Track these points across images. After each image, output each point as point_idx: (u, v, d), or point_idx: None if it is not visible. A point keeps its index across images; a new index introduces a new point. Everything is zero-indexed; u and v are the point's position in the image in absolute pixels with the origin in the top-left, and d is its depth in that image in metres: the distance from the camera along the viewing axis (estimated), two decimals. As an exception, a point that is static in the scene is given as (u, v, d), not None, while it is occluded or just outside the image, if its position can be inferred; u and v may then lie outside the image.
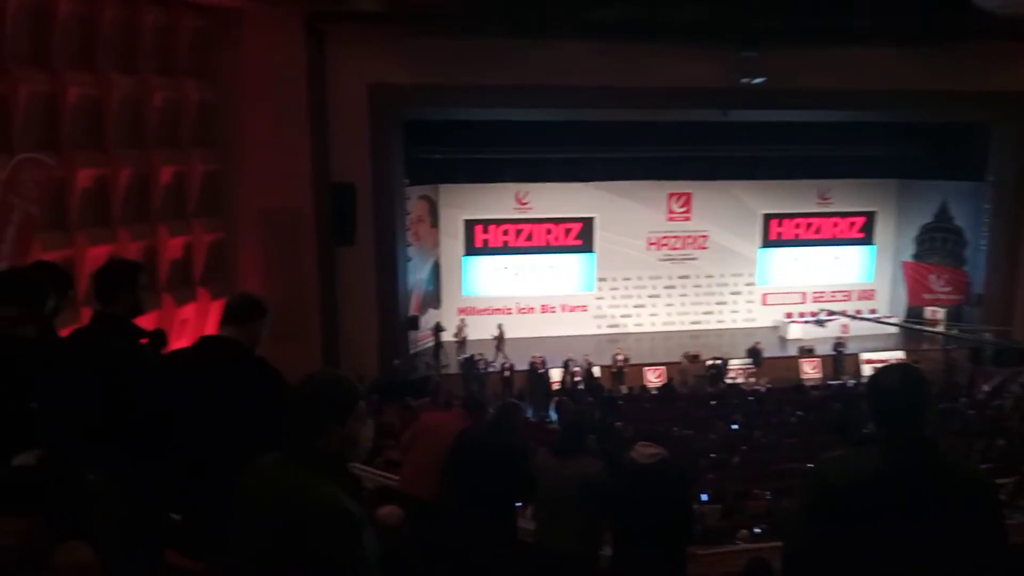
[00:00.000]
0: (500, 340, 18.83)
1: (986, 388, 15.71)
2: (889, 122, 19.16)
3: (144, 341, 3.00)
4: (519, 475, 4.40)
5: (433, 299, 19.82)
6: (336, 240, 15.49)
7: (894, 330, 20.70)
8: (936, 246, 20.95)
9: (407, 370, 17.13)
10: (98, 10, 11.54)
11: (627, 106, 16.87)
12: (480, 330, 19.53)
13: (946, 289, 20.45)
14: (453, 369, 18.12)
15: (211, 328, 13.41)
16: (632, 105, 16.84)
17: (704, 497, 9.90)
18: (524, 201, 20.09)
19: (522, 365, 17.49)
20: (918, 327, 20.19)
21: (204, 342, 2.99)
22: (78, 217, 11.58)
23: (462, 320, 19.73)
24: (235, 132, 14.38)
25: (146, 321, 3.13)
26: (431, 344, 19.05)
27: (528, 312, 20.48)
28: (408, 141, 16.96)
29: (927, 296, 20.70)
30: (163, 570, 3.14)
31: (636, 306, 21.06)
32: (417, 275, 18.81)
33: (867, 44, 16.23)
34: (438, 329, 19.17)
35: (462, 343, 19.23)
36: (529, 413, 15.37)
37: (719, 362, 17.82)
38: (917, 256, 21.25)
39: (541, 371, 17.37)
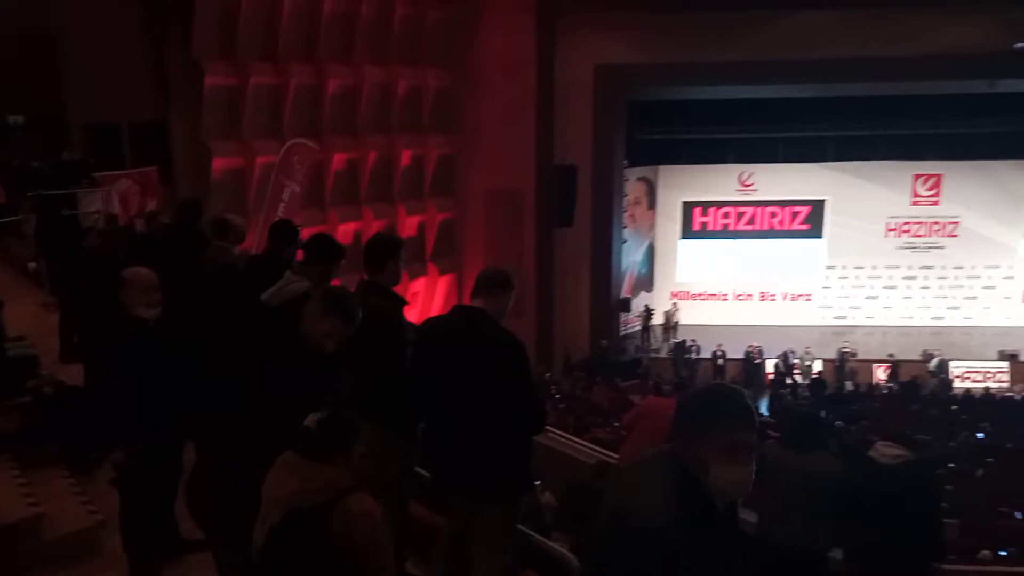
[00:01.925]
0: (668, 322, 18.49)
1: None
2: None
3: (406, 306, 3.35)
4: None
5: (646, 282, 19.69)
6: (555, 221, 15.88)
7: None
8: None
9: (616, 351, 17.23)
10: (356, 6, 12.72)
11: (874, 79, 15.54)
12: (693, 315, 19.12)
13: None
14: (662, 353, 17.93)
15: (438, 301, 14.42)
16: (880, 78, 15.48)
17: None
18: (748, 183, 19.27)
19: (736, 354, 16.92)
20: None
21: (457, 310, 3.27)
22: (331, 196, 12.92)
23: (674, 304, 19.42)
24: (467, 117, 15.22)
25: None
26: (640, 327, 18.97)
27: (746, 299, 19.69)
28: (629, 121, 16.92)
29: None
30: (407, 521, 3.49)
31: (868, 297, 19.45)
32: (631, 257, 18.78)
33: None
34: (648, 312, 19.04)
35: (673, 328, 18.95)
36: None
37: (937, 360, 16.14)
38: None
39: (757, 361, 16.71)
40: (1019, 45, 14.18)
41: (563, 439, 6.71)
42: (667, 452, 1.92)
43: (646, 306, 19.15)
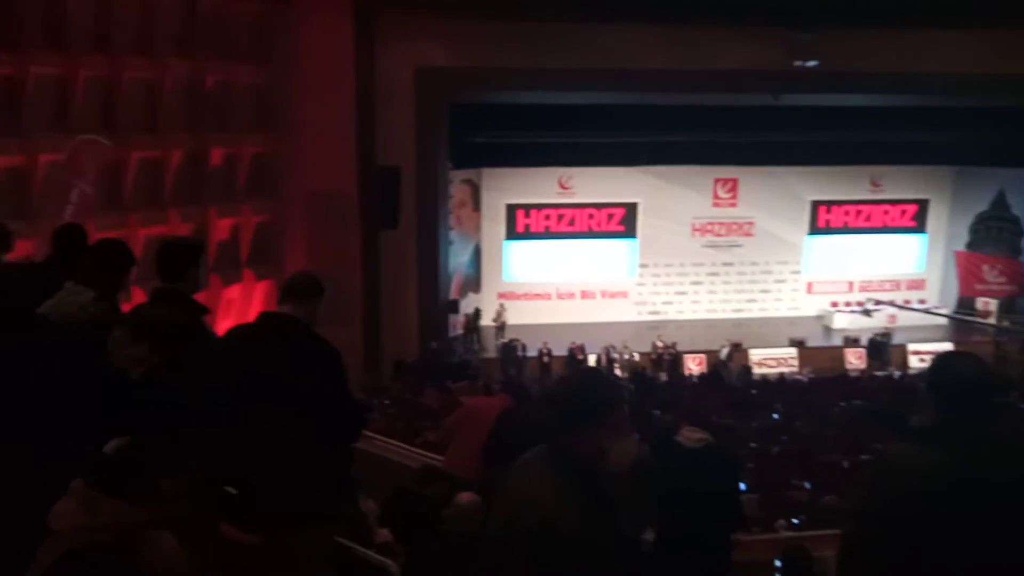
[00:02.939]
0: (496, 322, 18.98)
1: (1039, 382, 15.25)
2: (946, 107, 18.57)
3: (206, 316, 3.12)
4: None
5: (473, 283, 19.93)
6: (380, 223, 15.65)
7: (943, 321, 20.23)
8: (991, 235, 20.41)
9: (446, 354, 17.29)
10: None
11: (679, 90, 16.72)
12: (519, 315, 19.61)
13: (1000, 280, 19.92)
14: (491, 353, 18.22)
15: (256, 308, 13.74)
16: (684, 89, 16.67)
17: (742, 486, 9.81)
18: (567, 186, 20.03)
19: (561, 351, 17.52)
20: (969, 318, 19.73)
21: (264, 317, 3.08)
22: (131, 198, 11.92)
23: (501, 305, 19.80)
24: (285, 115, 14.62)
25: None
26: (470, 328, 19.18)
27: (568, 298, 20.48)
28: (452, 124, 17.02)
29: (979, 287, 20.19)
30: (220, 544, 3.25)
31: (678, 293, 20.90)
32: (458, 259, 18.93)
33: (928, 25, 15.76)
34: (476, 314, 19.30)
35: (501, 328, 19.32)
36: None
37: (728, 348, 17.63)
38: (971, 245, 20.70)
39: (580, 357, 17.38)
40: (798, 64, 15.81)
41: (388, 444, 6.60)
42: (545, 450, 1.96)
43: (477, 308, 19.40)
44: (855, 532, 2.41)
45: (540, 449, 2.01)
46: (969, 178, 20.61)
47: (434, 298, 17.15)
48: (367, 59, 15.29)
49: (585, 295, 20.56)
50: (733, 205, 20.75)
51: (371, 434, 6.61)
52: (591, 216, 20.41)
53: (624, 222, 20.51)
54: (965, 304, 20.44)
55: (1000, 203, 20.18)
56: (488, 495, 4.45)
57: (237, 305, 13.76)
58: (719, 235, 20.84)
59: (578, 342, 17.64)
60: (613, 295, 20.68)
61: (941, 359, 2.38)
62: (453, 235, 18.25)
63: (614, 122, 18.37)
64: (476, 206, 19.78)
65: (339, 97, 14.87)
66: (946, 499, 2.11)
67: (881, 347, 18.44)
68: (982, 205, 20.50)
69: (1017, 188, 19.73)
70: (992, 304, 19.78)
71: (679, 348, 18.06)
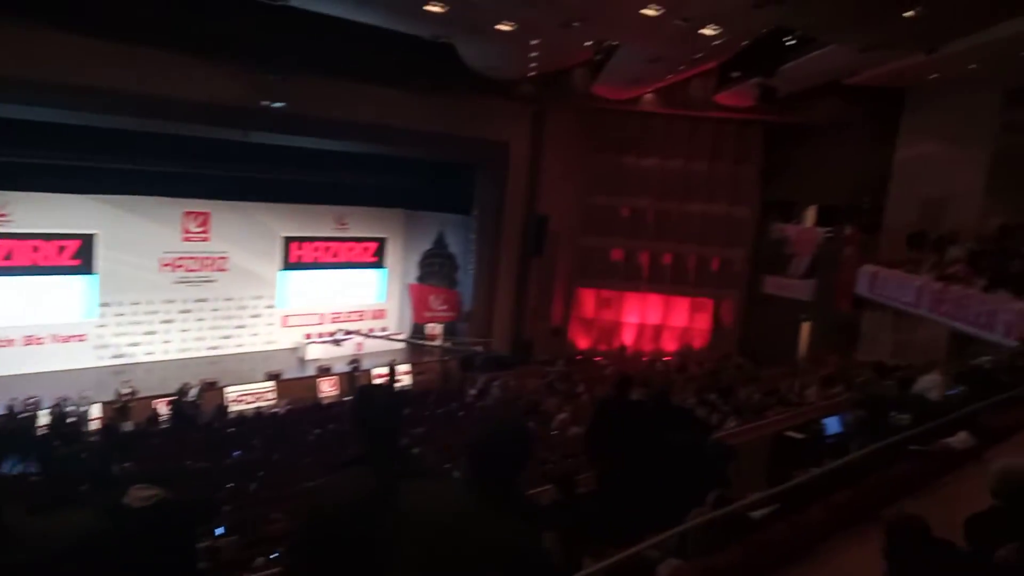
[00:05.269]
0: None
1: (473, 391, 18.31)
2: (396, 157, 21.21)
3: None
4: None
5: None
6: None
7: (402, 345, 22.89)
8: (435, 270, 23.89)
9: None
10: None
11: (136, 115, 15.52)
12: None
13: (443, 307, 23.36)
14: None
15: None
16: (142, 114, 15.55)
17: (220, 530, 9.51)
18: (2, 212, 16.93)
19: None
20: (420, 342, 22.76)
21: None
22: None
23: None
24: None
25: None
26: None
27: (7, 345, 17.25)
28: None
29: (428, 314, 23.37)
30: None
31: (147, 333, 19.37)
32: None
33: (378, 83, 17.77)
34: None
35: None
36: (8, 466, 12.92)
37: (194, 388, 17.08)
38: (420, 278, 23.89)
39: (26, 415, 14.76)
40: (265, 104, 16.23)
41: None
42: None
43: None
44: (290, 559, 2.56)
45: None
46: (417, 220, 23.85)
47: None
48: None
49: (30, 341, 17.58)
50: (205, 239, 20.17)
51: None
52: (36, 249, 17.58)
53: (80, 255, 18.20)
54: (418, 330, 23.47)
55: (440, 242, 23.85)
56: None
57: None
58: (191, 270, 20.02)
59: (24, 396, 14.97)
60: (67, 339, 18.12)
61: (360, 393, 2.65)
62: None
63: (63, 143, 16.20)
64: None
65: None
66: (363, 520, 2.36)
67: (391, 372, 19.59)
68: (427, 244, 23.92)
69: (452, 229, 23.54)
70: (438, 328, 23.11)
71: (149, 393, 16.66)
